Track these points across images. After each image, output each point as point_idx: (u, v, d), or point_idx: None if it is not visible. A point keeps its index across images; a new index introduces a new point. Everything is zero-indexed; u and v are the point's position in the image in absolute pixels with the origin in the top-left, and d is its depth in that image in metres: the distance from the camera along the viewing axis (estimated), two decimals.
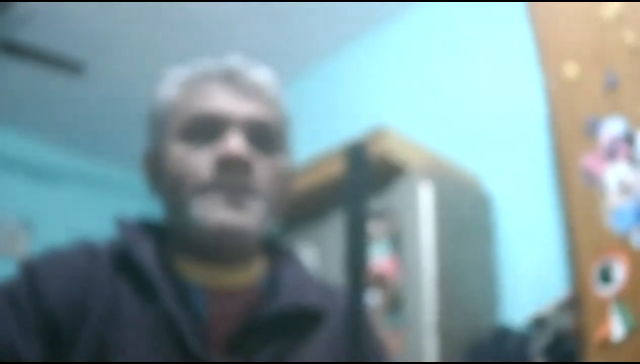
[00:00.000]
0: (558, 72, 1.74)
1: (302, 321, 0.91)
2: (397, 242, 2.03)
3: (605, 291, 1.52)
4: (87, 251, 0.90)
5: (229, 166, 0.88)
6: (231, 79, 0.93)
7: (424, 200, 2.02)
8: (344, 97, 2.95)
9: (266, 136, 0.93)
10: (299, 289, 0.93)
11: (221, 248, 0.90)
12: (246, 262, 0.94)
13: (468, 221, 2.15)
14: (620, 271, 1.51)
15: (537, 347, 1.82)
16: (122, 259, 0.89)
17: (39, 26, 2.81)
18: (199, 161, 0.89)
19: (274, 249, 1.01)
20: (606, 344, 1.48)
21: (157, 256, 0.90)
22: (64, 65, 2.85)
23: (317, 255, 2.25)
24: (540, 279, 2.04)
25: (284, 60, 3.12)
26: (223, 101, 0.91)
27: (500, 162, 2.30)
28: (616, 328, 1.48)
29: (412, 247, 1.98)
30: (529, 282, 2.08)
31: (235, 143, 0.88)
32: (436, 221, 2.00)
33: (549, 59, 1.78)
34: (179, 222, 0.92)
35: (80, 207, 3.56)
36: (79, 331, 0.82)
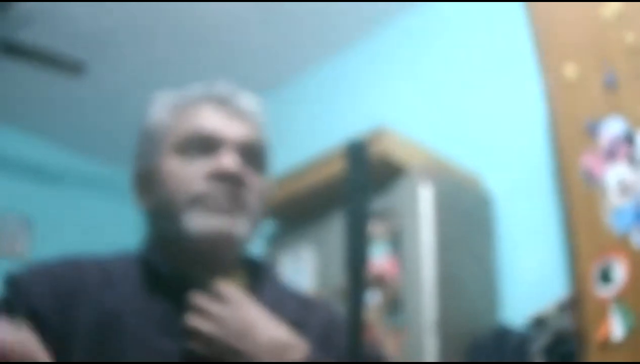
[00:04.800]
0: (558, 72, 1.74)
1: None
2: (397, 242, 2.02)
3: (605, 291, 1.52)
4: (73, 267, 0.97)
5: (224, 179, 0.97)
6: (223, 103, 1.03)
7: (424, 200, 2.01)
8: (344, 97, 2.95)
9: (255, 156, 1.03)
10: (277, 304, 1.00)
11: (212, 255, 0.98)
12: (228, 274, 1.01)
13: (468, 221, 2.15)
14: (620, 271, 1.50)
15: (537, 347, 1.82)
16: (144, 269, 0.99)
17: (39, 26, 2.81)
18: (194, 173, 0.98)
19: (254, 265, 1.07)
20: (606, 344, 1.48)
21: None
22: (64, 65, 2.85)
23: (317, 255, 2.25)
24: (540, 279, 2.04)
25: (284, 60, 3.12)
26: (218, 122, 1.01)
27: (500, 163, 2.30)
28: (616, 328, 1.48)
29: (412, 247, 1.98)
30: (529, 282, 2.08)
31: (230, 159, 0.98)
32: (436, 221, 2.00)
33: (549, 59, 1.78)
34: (170, 235, 0.99)
35: (80, 207, 3.56)
36: (69, 340, 0.88)
